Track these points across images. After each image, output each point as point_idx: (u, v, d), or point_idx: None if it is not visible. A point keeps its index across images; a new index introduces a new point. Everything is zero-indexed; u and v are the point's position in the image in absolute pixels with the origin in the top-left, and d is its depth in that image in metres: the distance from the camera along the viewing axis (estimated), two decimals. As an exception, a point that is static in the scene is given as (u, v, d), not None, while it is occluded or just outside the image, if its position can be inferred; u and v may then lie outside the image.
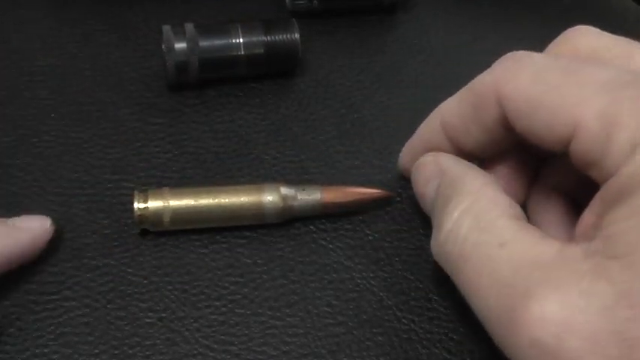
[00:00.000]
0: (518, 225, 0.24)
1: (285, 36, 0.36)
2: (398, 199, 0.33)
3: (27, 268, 0.29)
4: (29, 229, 0.29)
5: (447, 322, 0.30)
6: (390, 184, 0.34)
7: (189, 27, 0.35)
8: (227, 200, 0.31)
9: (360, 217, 0.32)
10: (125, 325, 0.29)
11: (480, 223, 0.25)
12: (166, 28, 0.35)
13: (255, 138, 0.35)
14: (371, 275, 0.31)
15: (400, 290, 0.31)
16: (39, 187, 0.32)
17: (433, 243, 0.27)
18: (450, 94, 0.29)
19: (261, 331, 0.29)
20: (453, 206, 0.26)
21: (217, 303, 0.30)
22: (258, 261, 0.31)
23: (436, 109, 0.30)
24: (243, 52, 0.36)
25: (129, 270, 0.30)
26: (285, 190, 0.31)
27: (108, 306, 0.29)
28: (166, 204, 0.30)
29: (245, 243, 0.31)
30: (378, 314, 0.30)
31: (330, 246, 0.32)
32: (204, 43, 0.35)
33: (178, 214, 0.31)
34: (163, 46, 0.35)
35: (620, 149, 0.22)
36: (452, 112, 0.28)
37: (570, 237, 0.26)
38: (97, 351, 0.28)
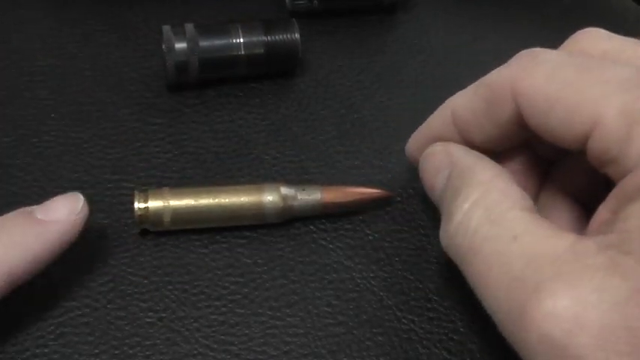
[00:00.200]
0: (531, 217, 0.24)
1: (285, 36, 0.36)
2: (398, 199, 0.33)
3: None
4: (57, 222, 0.28)
5: (447, 322, 0.30)
6: (390, 184, 0.34)
7: (189, 27, 0.35)
8: (227, 200, 0.31)
9: (360, 217, 0.33)
10: (125, 325, 0.29)
11: (490, 216, 0.24)
12: (166, 28, 0.35)
13: (255, 138, 0.35)
14: (371, 275, 0.31)
15: (400, 290, 0.31)
16: (39, 187, 0.32)
17: (442, 234, 0.26)
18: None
19: (262, 331, 0.29)
20: (464, 198, 0.25)
21: (217, 303, 0.30)
22: (259, 261, 0.31)
23: (448, 101, 0.29)
24: (243, 52, 0.36)
25: (129, 270, 0.30)
26: (285, 190, 0.31)
27: (108, 306, 0.29)
28: (166, 204, 0.30)
29: (245, 243, 0.31)
30: (378, 314, 0.30)
31: (330, 246, 0.32)
32: (204, 43, 0.35)
33: (178, 214, 0.31)
34: (163, 46, 0.35)
35: (639, 147, 0.22)
36: (464, 105, 0.28)
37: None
38: (97, 351, 0.28)
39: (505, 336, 0.23)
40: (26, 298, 0.29)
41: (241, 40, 0.36)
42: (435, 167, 0.29)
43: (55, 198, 0.28)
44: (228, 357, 0.28)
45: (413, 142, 0.32)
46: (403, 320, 0.30)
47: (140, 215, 0.30)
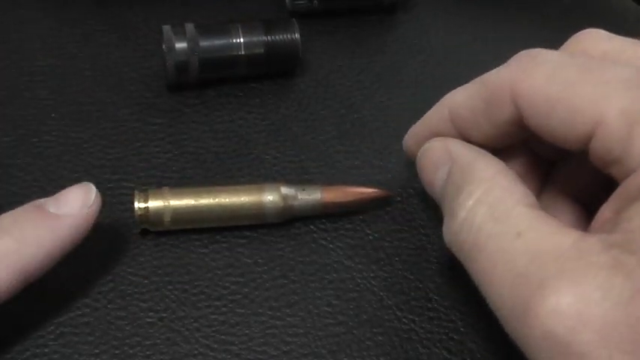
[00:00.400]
0: (534, 214, 0.24)
1: (285, 36, 0.36)
2: (398, 199, 0.33)
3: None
4: (70, 216, 0.27)
5: (447, 322, 0.30)
6: (390, 184, 0.34)
7: (189, 27, 0.35)
8: (227, 200, 0.31)
9: (360, 217, 0.33)
10: (125, 325, 0.29)
11: (494, 213, 0.24)
12: (166, 28, 0.35)
13: (255, 138, 0.35)
14: (371, 275, 0.31)
15: (400, 290, 0.31)
16: (39, 187, 0.32)
17: (446, 231, 0.26)
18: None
19: (262, 330, 0.29)
20: (466, 195, 0.25)
21: (217, 303, 0.30)
22: (259, 261, 0.31)
23: (445, 97, 0.29)
24: (243, 52, 0.36)
25: (129, 270, 0.30)
26: (285, 190, 0.31)
27: (108, 306, 0.29)
28: (167, 204, 0.30)
29: (245, 243, 0.31)
30: (378, 314, 0.30)
31: (331, 246, 0.32)
32: (204, 43, 0.35)
33: (179, 214, 0.31)
34: (163, 46, 0.35)
35: None
36: (462, 103, 0.28)
37: None
38: (97, 351, 0.28)
39: (508, 332, 0.23)
40: (26, 299, 0.29)
41: (241, 40, 0.36)
42: (434, 163, 0.28)
43: (66, 189, 0.28)
44: (229, 357, 0.28)
45: (410, 137, 0.31)
46: (403, 320, 0.30)
47: (140, 215, 0.30)
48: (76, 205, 0.27)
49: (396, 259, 0.31)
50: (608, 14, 0.43)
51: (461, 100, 0.28)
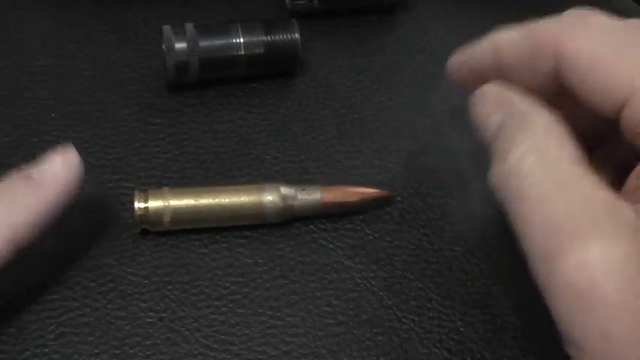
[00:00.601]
0: (580, 169, 0.24)
1: (285, 36, 0.36)
2: (398, 199, 0.33)
3: (27, 267, 0.29)
4: (55, 182, 0.28)
5: (447, 322, 0.30)
6: (390, 184, 0.34)
7: (189, 27, 0.35)
8: (227, 200, 0.31)
9: (360, 217, 0.33)
10: (125, 325, 0.29)
11: (542, 163, 0.25)
12: (166, 28, 0.35)
13: (255, 138, 0.35)
14: (371, 275, 0.31)
15: (400, 290, 0.31)
16: (39, 187, 0.32)
17: (493, 174, 0.26)
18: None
19: (262, 330, 0.29)
20: (520, 141, 0.25)
21: (217, 303, 0.30)
22: (259, 261, 0.31)
23: (493, 34, 0.29)
24: (243, 52, 0.36)
25: (129, 270, 0.30)
26: (285, 190, 0.31)
27: (108, 306, 0.29)
28: (167, 204, 0.30)
29: (245, 243, 0.31)
30: (378, 314, 0.30)
31: (330, 246, 0.32)
32: (204, 43, 0.35)
33: (179, 214, 0.31)
34: (163, 46, 0.35)
35: None
36: (506, 45, 0.28)
37: None
38: (97, 351, 0.28)
39: (534, 278, 0.23)
40: (26, 298, 0.29)
41: (241, 40, 0.36)
42: (489, 107, 0.28)
43: (48, 155, 0.28)
44: (229, 357, 0.28)
45: (455, 62, 0.32)
46: (403, 320, 0.30)
47: (140, 215, 0.30)
48: (60, 171, 0.28)
49: (396, 259, 0.31)
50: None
51: (507, 41, 0.29)
